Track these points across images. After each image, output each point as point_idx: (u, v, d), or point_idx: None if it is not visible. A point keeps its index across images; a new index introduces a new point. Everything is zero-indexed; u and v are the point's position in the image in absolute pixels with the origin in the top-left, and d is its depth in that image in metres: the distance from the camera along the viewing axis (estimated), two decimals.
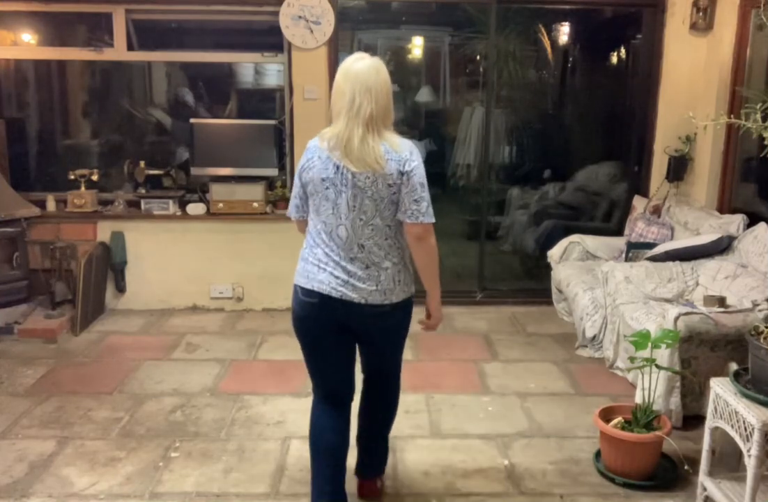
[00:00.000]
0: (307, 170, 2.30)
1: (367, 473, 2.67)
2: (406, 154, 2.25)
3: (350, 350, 2.47)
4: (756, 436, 2.22)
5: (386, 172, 2.22)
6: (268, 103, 5.21)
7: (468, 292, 5.11)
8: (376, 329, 2.40)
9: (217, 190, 4.66)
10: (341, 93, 2.24)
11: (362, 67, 2.23)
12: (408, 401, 3.46)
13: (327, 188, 2.26)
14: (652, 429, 2.76)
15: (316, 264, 2.31)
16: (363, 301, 2.29)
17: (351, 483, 2.60)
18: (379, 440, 2.66)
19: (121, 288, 4.78)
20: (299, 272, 2.36)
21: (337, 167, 2.24)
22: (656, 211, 4.62)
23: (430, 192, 2.28)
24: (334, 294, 2.28)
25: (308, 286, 2.31)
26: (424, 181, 2.28)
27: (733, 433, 2.36)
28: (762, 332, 2.37)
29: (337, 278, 2.28)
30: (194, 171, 4.75)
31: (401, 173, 2.23)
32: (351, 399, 2.53)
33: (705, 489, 2.56)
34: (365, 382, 2.59)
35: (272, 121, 4.72)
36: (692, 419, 3.16)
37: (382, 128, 2.25)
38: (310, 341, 2.41)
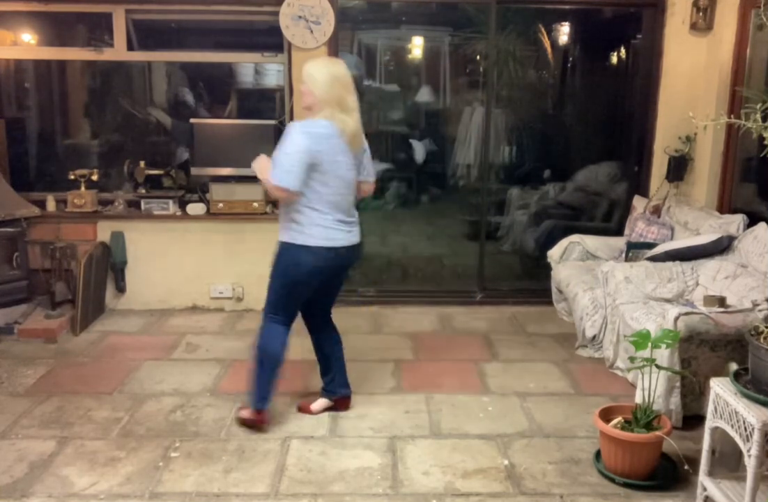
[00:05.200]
0: (321, 153, 2.85)
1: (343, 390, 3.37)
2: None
3: None
4: (756, 436, 2.22)
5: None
6: (268, 103, 5.22)
7: (468, 292, 5.11)
8: (352, 263, 3.22)
9: (217, 190, 4.66)
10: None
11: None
12: (408, 400, 3.47)
13: (339, 168, 2.92)
14: (652, 429, 2.76)
15: (333, 227, 2.96)
16: (357, 242, 3.10)
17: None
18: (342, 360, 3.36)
19: (121, 288, 4.79)
20: (321, 236, 2.94)
21: (347, 151, 2.93)
22: (656, 211, 4.62)
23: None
24: (348, 244, 3.03)
25: (334, 244, 2.96)
26: None
27: (733, 433, 2.36)
28: (762, 332, 2.37)
29: (348, 232, 3.04)
30: (194, 171, 4.76)
31: (364, 150, 3.10)
32: None
33: (705, 489, 2.56)
34: (323, 317, 3.30)
35: (272, 121, 4.72)
36: (692, 419, 3.16)
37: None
38: (315, 284, 3.06)
